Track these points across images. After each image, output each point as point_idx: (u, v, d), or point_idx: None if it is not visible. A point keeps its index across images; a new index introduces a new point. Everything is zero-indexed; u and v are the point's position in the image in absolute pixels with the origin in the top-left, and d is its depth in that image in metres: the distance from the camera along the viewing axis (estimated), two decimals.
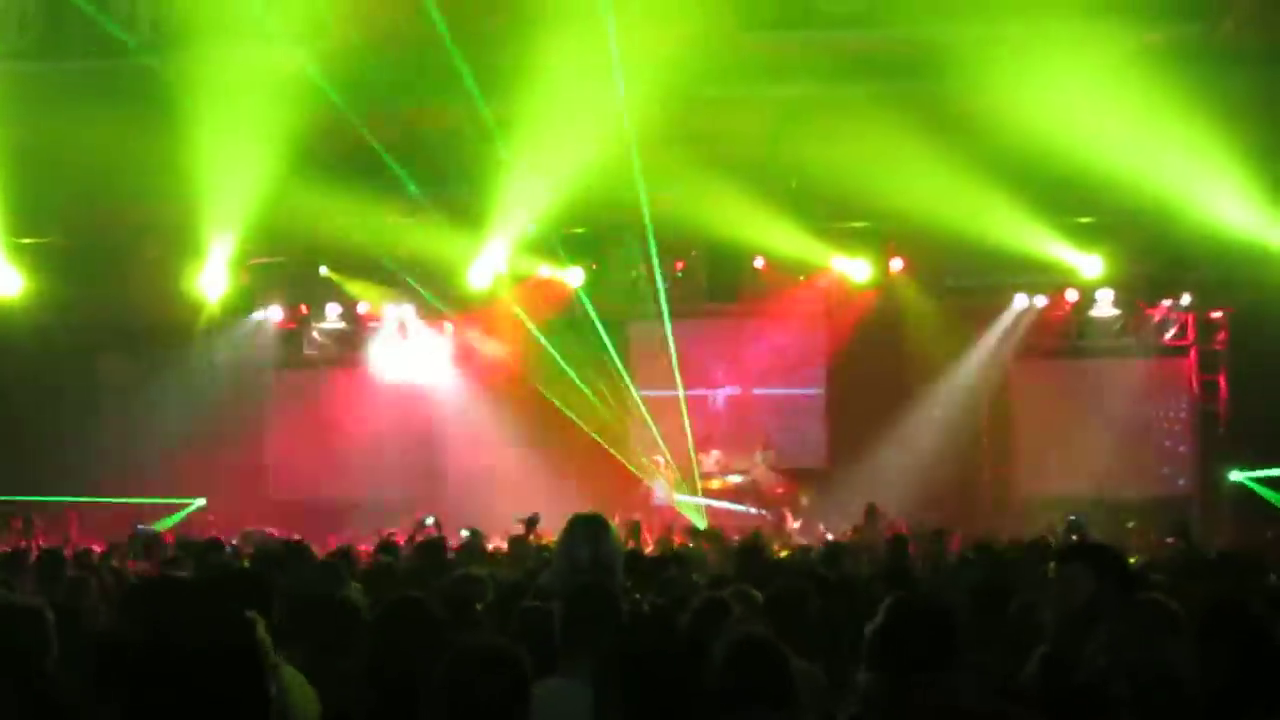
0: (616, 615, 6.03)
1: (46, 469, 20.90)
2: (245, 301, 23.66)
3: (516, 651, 4.64)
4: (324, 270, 23.36)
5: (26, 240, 21.17)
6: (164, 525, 18.92)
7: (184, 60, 16.82)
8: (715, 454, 24.40)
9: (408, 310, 24.43)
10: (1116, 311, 23.23)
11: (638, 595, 7.78)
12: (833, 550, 12.28)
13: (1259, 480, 21.21)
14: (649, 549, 14.69)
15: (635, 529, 16.72)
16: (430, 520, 18.19)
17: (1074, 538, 14.13)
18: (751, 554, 10.68)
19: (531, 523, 13.94)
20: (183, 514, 21.11)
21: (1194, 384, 23.30)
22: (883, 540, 14.29)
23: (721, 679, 5.39)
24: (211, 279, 21.99)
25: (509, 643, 4.76)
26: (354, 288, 23.90)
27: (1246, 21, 17.03)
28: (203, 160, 18.51)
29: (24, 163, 18.66)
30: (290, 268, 23.57)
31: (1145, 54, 16.50)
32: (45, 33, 17.27)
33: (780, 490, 22.97)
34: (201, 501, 21.81)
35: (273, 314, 24.44)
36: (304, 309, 24.60)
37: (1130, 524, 19.01)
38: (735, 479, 23.89)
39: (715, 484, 23.94)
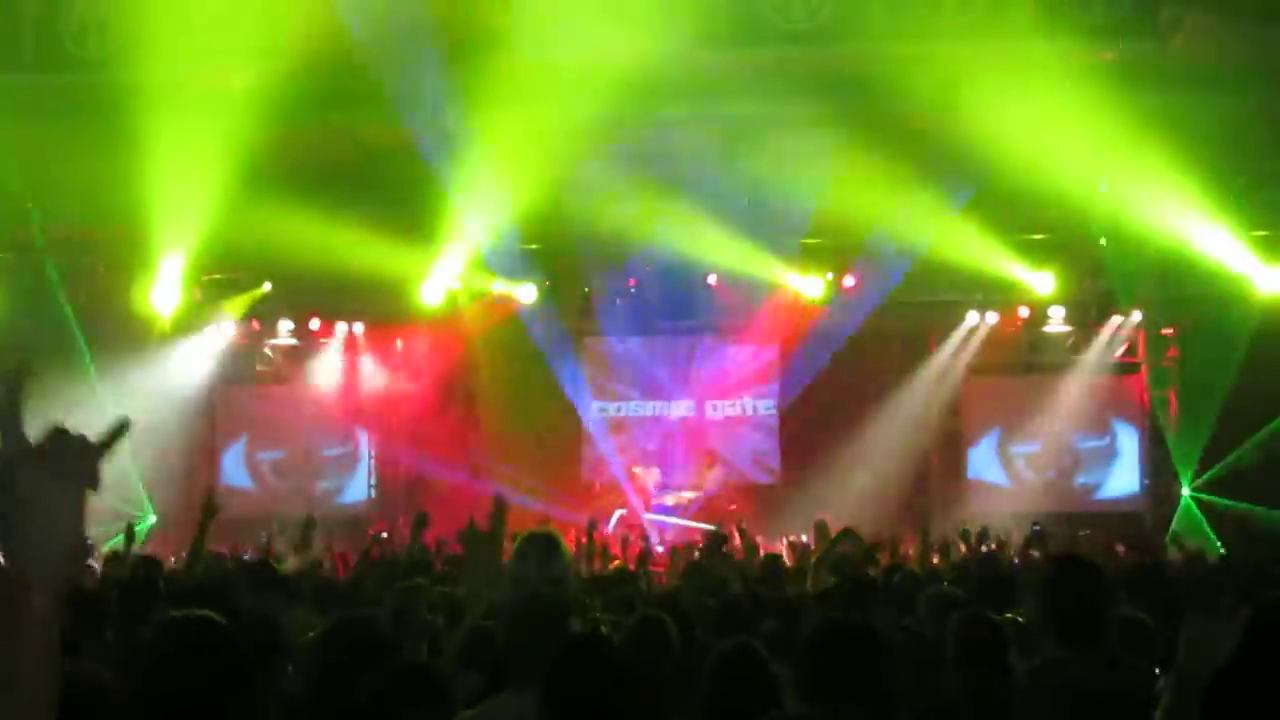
0: (562, 630, 5.88)
1: None
2: (197, 317, 23.45)
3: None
4: (267, 286, 23.20)
5: None
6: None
7: (133, 76, 16.66)
8: (655, 471, 24.34)
9: (358, 327, 24.30)
10: (1068, 328, 23.30)
11: (596, 614, 7.67)
12: (772, 567, 12.10)
13: (1207, 488, 21.35)
14: (615, 563, 14.56)
15: (589, 547, 16.58)
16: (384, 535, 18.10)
17: (1033, 550, 14.09)
18: (698, 568, 10.56)
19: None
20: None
21: (1144, 400, 23.34)
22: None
23: (708, 689, 5.40)
24: (163, 295, 21.84)
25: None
26: (305, 304, 23.74)
27: (1197, 39, 17.07)
28: (153, 176, 18.37)
29: None
30: (242, 284, 23.41)
31: (1096, 72, 16.54)
32: None
33: (733, 506, 22.90)
34: (151, 519, 21.57)
35: (225, 330, 24.22)
36: (255, 325, 24.40)
37: (1083, 533, 19.01)
38: (687, 495, 23.83)
39: (669, 500, 23.89)
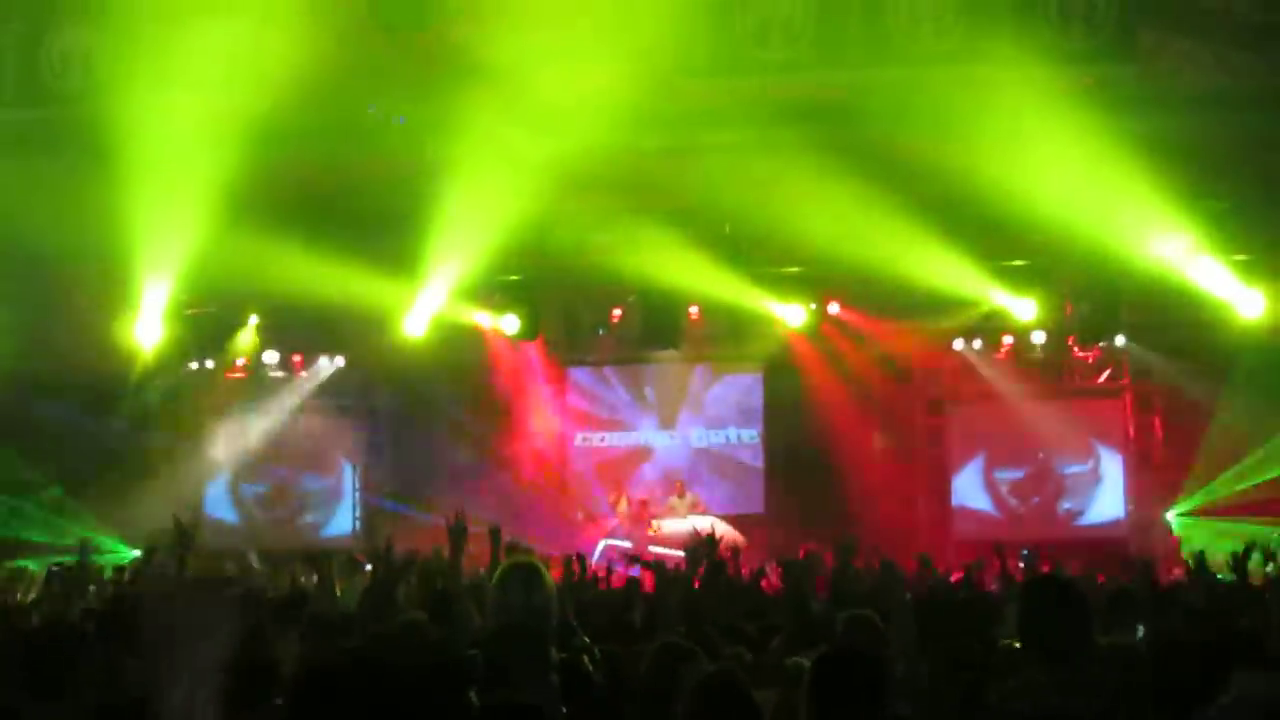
0: (545, 659, 5.96)
1: None
2: (179, 351, 23.38)
3: None
4: (254, 320, 23.14)
5: None
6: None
7: (115, 108, 16.60)
8: (638, 500, 24.30)
9: (339, 361, 24.24)
10: (1051, 354, 23.27)
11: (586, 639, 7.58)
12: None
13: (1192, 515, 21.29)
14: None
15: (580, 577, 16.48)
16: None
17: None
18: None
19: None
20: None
21: (1129, 425, 23.29)
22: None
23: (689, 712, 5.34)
24: (145, 329, 21.80)
25: None
26: (288, 337, 23.69)
27: (1178, 64, 17.07)
28: (134, 209, 18.32)
29: None
30: (224, 318, 23.35)
31: (1077, 97, 16.53)
32: None
33: (724, 535, 22.78)
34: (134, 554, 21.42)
35: (207, 364, 24.14)
36: (241, 359, 24.31)
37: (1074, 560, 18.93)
38: (668, 524, 23.75)
39: (651, 530, 23.82)
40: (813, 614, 8.94)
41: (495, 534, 7.46)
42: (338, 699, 5.18)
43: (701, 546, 11.05)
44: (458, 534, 7.63)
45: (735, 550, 10.65)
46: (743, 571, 14.46)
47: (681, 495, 24.16)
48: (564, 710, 5.62)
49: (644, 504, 24.03)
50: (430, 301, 21.68)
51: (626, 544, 22.90)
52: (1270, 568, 9.30)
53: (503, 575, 7.01)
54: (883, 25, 15.45)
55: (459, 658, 5.76)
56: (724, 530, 23.30)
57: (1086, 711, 5.47)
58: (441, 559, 7.52)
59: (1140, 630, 8.27)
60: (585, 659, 6.60)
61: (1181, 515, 21.60)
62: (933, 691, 6.58)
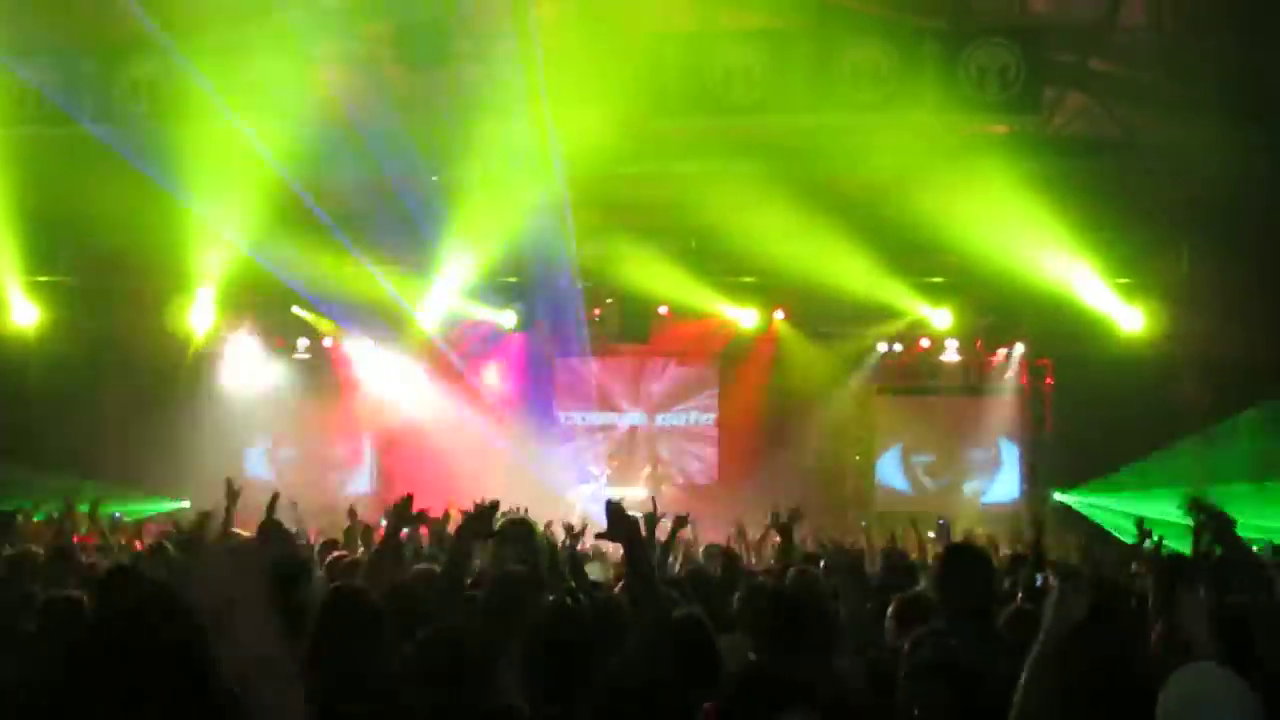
0: (537, 600, 5.79)
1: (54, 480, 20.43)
2: (225, 336, 23.38)
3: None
4: (296, 309, 23.03)
5: (43, 278, 20.77)
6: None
7: (177, 128, 16.53)
8: (607, 471, 24.34)
9: (366, 344, 24.14)
10: (961, 357, 23.36)
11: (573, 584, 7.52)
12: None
13: (1076, 499, 21.29)
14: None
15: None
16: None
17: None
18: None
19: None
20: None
21: (1024, 419, 23.35)
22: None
23: (658, 659, 5.26)
24: (198, 317, 21.79)
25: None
26: (321, 325, 23.62)
27: (1074, 116, 17.11)
28: (193, 214, 18.29)
29: (42, 212, 18.45)
30: (266, 307, 23.30)
31: (991, 142, 16.56)
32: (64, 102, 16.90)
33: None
34: (185, 503, 21.24)
35: (251, 347, 24.05)
36: (279, 342, 24.23)
37: (979, 530, 18.89)
38: (637, 491, 23.75)
39: (616, 494, 23.77)
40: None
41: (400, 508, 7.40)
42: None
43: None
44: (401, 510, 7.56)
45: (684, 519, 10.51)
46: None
47: (652, 467, 24.22)
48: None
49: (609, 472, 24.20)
50: (442, 298, 21.61)
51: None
52: (1148, 544, 9.22)
53: (500, 532, 6.99)
54: (828, 77, 15.37)
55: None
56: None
57: (980, 659, 5.44)
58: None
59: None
60: (569, 600, 6.55)
61: (1066, 496, 21.65)
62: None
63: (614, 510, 5.70)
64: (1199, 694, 4.00)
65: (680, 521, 9.64)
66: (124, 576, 6.74)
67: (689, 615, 5.57)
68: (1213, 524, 6.96)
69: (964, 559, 6.36)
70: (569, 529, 9.06)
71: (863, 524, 14.52)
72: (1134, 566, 9.77)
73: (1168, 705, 3.98)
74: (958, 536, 14.28)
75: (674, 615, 5.55)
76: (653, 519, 8.08)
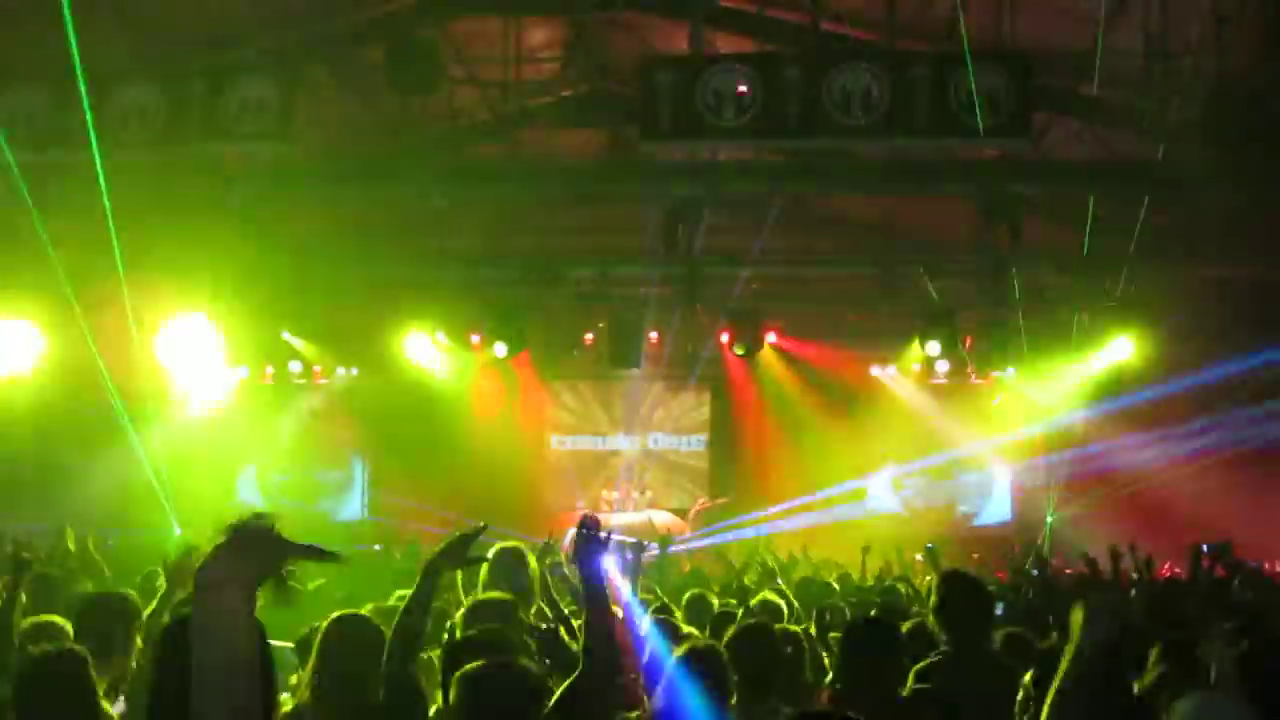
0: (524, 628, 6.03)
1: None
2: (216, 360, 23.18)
3: None
4: (286, 335, 22.89)
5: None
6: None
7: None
8: (605, 494, 24.40)
9: (354, 371, 24.10)
10: (954, 381, 23.23)
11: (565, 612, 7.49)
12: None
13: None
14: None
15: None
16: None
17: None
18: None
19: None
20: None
21: (1015, 442, 23.33)
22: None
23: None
24: (186, 342, 21.58)
25: None
26: (310, 351, 23.50)
27: (1063, 140, 17.10)
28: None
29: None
30: (256, 333, 23.15)
31: (981, 164, 16.53)
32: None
33: (669, 527, 22.80)
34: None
35: (240, 373, 23.92)
36: (269, 368, 24.12)
37: (974, 555, 18.89)
38: (633, 517, 23.77)
39: (613, 521, 23.85)
40: None
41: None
42: None
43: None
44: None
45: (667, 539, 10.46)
46: None
47: (641, 491, 24.21)
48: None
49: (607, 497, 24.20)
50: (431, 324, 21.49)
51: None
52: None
53: (493, 561, 6.96)
54: (819, 103, 15.34)
55: None
56: (668, 521, 23.48)
57: (980, 689, 5.47)
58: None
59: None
60: (563, 629, 6.51)
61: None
62: None
63: (583, 533, 5.13)
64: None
65: (664, 542, 9.68)
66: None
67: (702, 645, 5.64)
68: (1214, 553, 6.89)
69: (961, 587, 6.44)
70: (545, 547, 8.90)
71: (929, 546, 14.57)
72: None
73: None
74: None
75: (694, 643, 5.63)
76: (640, 546, 8.07)
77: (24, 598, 6.57)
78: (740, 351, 20.73)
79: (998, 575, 13.57)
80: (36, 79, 15.12)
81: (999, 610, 7.55)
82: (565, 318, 22.24)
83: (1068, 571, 14.27)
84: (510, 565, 7.08)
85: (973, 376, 23.10)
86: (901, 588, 11.87)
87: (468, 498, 22.13)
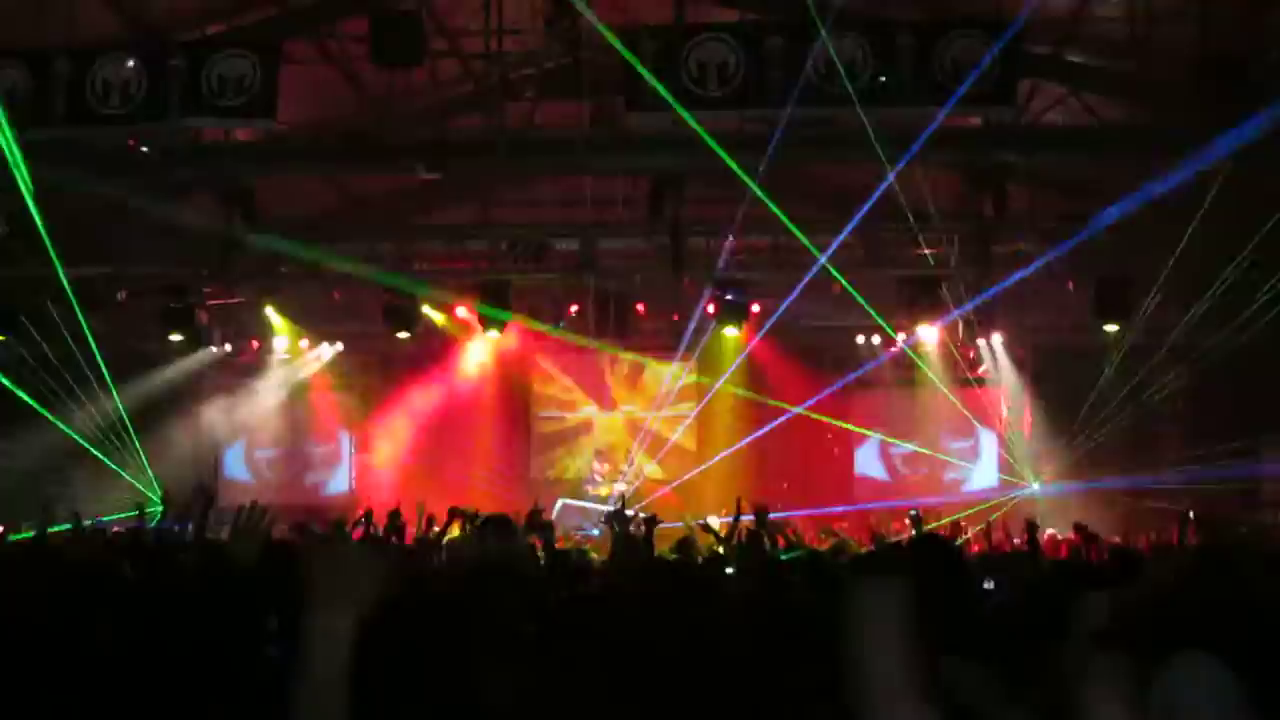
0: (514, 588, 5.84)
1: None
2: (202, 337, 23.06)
3: None
4: (269, 311, 22.75)
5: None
6: None
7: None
8: (602, 466, 24.36)
9: (339, 346, 24.04)
10: (941, 349, 23.09)
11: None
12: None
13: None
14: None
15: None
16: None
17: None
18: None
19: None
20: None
21: (1003, 410, 23.30)
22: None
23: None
24: (174, 318, 21.46)
25: None
26: (297, 329, 23.36)
27: (1048, 106, 17.05)
28: None
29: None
30: (241, 310, 23.07)
31: (967, 133, 16.47)
32: None
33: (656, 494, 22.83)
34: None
35: (226, 347, 23.82)
36: (254, 344, 24.03)
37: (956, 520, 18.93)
38: (620, 486, 23.73)
39: (603, 490, 23.88)
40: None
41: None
42: None
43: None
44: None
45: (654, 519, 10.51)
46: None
47: (628, 463, 24.22)
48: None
49: (598, 467, 24.23)
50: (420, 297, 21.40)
51: (580, 503, 22.92)
52: None
53: (482, 526, 6.98)
54: (803, 72, 15.24)
55: None
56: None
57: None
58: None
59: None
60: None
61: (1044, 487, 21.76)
62: None
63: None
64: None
65: (651, 521, 9.75)
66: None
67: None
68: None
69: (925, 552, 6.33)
70: (531, 515, 8.99)
71: (913, 513, 14.59)
72: None
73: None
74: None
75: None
76: (654, 520, 8.16)
77: None
78: (726, 322, 20.68)
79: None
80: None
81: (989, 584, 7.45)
82: (551, 290, 22.19)
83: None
84: (500, 532, 7.12)
85: (960, 344, 23.07)
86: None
87: (454, 470, 22.17)
